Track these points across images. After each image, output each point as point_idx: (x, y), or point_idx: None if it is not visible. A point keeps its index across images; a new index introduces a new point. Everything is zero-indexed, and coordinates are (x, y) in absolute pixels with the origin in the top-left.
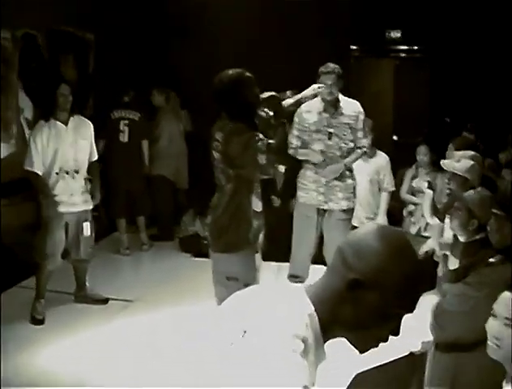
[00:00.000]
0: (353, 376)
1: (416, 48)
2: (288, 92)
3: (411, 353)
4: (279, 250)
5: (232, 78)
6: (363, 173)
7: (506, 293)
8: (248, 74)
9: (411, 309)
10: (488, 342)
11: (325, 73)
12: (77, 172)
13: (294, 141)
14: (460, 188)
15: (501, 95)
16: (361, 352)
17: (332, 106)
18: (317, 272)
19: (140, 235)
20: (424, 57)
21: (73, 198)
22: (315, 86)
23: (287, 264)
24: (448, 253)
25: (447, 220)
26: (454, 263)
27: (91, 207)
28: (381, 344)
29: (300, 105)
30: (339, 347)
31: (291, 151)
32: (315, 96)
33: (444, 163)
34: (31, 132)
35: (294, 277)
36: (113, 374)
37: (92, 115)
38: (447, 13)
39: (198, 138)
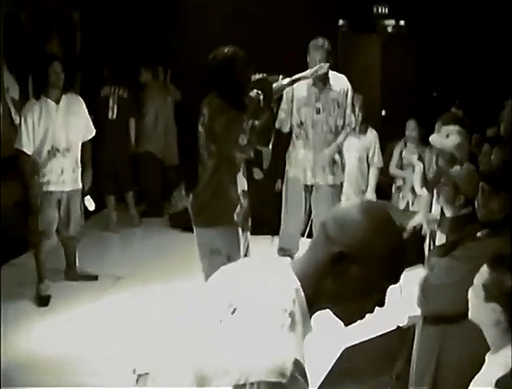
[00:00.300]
0: (342, 350)
1: (403, 23)
2: (281, 76)
3: (399, 327)
4: (271, 223)
5: (226, 56)
6: (352, 150)
7: (484, 267)
8: (242, 54)
9: (395, 281)
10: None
11: (314, 48)
12: (68, 150)
13: (282, 114)
14: (447, 164)
15: (488, 70)
16: (347, 324)
17: (321, 81)
18: (306, 246)
19: (130, 212)
20: (411, 32)
21: (64, 176)
22: (311, 70)
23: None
24: (435, 227)
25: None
26: (441, 239)
27: (81, 186)
28: (367, 316)
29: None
30: (327, 321)
31: (277, 125)
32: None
33: (432, 139)
34: (22, 111)
35: (284, 251)
36: (103, 350)
37: (80, 92)
38: None
39: (188, 113)
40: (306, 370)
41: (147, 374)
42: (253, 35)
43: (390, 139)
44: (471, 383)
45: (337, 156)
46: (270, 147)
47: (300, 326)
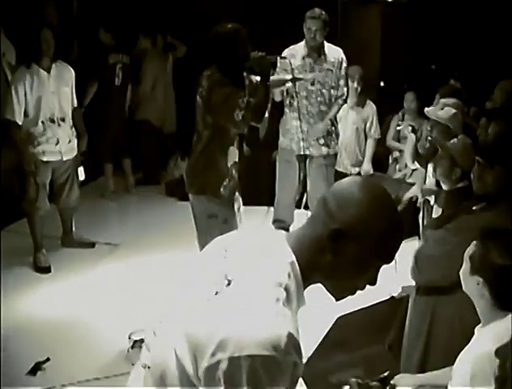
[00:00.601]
0: (334, 319)
1: None
2: (279, 57)
3: (392, 297)
4: (267, 194)
5: (230, 32)
6: (350, 121)
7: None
8: (244, 31)
9: (389, 260)
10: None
11: (311, 18)
12: (63, 120)
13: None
14: (442, 136)
15: (489, 42)
16: (337, 299)
17: (316, 52)
18: (301, 217)
19: (127, 179)
20: (411, 3)
21: (60, 146)
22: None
23: None
24: (430, 199)
25: (430, 167)
26: (438, 212)
27: (75, 153)
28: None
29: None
30: (320, 291)
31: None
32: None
33: (427, 110)
34: (12, 80)
35: (279, 222)
36: (99, 316)
37: (84, 60)
38: None
39: (187, 81)
40: (300, 344)
41: (141, 340)
42: (253, 5)
43: (389, 110)
44: (459, 355)
45: (331, 127)
46: (267, 115)
47: (294, 299)
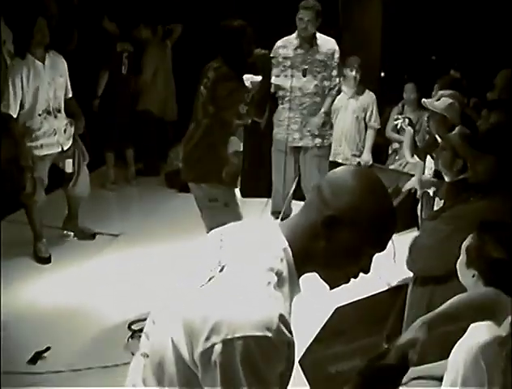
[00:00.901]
0: (333, 309)
1: None
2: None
3: (391, 288)
4: (266, 185)
5: (237, 27)
6: (349, 110)
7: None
8: (250, 29)
9: (382, 248)
10: None
11: (304, 8)
12: (59, 111)
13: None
14: (439, 126)
15: (490, 32)
16: (332, 287)
17: (308, 43)
18: (298, 207)
19: (129, 169)
20: None
21: (57, 137)
22: None
23: None
24: (429, 190)
25: (428, 159)
26: (439, 204)
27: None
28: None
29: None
30: (319, 280)
31: None
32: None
33: (425, 101)
34: (8, 71)
35: (278, 213)
36: (99, 305)
37: (85, 48)
38: None
39: (186, 69)
40: (291, 325)
41: (141, 329)
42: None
43: (389, 101)
44: (454, 347)
45: (325, 118)
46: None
47: (286, 285)
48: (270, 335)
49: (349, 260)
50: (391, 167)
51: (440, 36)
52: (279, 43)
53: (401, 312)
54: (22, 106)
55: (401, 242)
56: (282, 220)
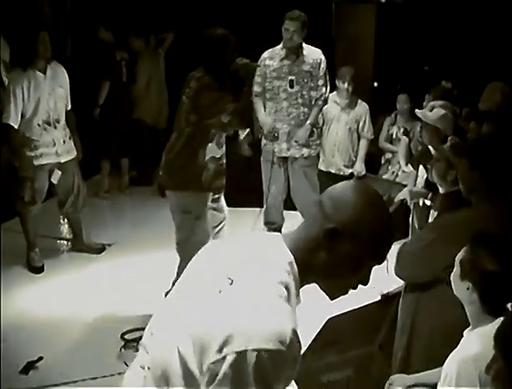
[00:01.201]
0: (326, 320)
1: None
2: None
3: (383, 298)
4: (259, 196)
5: (220, 37)
6: (342, 122)
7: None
8: (233, 38)
9: (381, 261)
10: None
11: (289, 19)
12: (58, 121)
13: (255, 87)
14: (432, 137)
15: (483, 43)
16: (332, 298)
17: (294, 53)
18: (290, 217)
19: (122, 178)
20: (405, 4)
21: (56, 148)
22: None
23: None
24: (420, 201)
25: (420, 169)
26: (433, 216)
27: (75, 154)
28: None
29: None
30: (312, 291)
31: (254, 99)
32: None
33: (417, 112)
34: (9, 83)
35: (270, 224)
36: (92, 315)
37: (79, 57)
38: None
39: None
40: (300, 340)
41: (134, 339)
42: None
43: (382, 111)
44: (448, 357)
45: (312, 129)
46: (248, 133)
47: (293, 297)
48: (283, 348)
49: (349, 272)
50: (384, 177)
51: (433, 47)
52: (265, 54)
53: (393, 322)
54: (22, 116)
55: (393, 252)
56: (274, 230)
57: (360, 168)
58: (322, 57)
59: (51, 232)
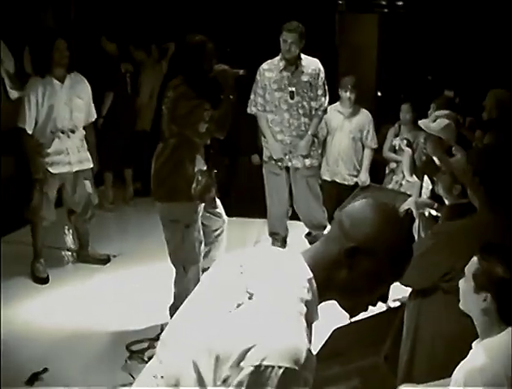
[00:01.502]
0: (332, 331)
1: (400, 3)
2: (241, 71)
3: (388, 309)
4: (264, 206)
5: (196, 43)
6: (345, 131)
7: (474, 258)
8: (210, 44)
9: (400, 276)
10: None
11: (287, 30)
12: (73, 131)
13: (258, 99)
14: (436, 148)
15: (485, 52)
16: (352, 316)
17: (292, 65)
18: (294, 227)
19: (127, 189)
20: (408, 13)
21: (69, 157)
22: None
23: None
24: (425, 211)
25: (426, 179)
26: None
27: (90, 166)
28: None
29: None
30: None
31: (252, 110)
32: None
33: (420, 123)
34: (25, 88)
35: (275, 234)
36: (97, 327)
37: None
38: None
39: None
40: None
41: (139, 350)
42: (250, 11)
43: (385, 120)
44: (457, 368)
45: (313, 139)
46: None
47: (311, 314)
48: (296, 368)
49: (369, 289)
50: (388, 186)
51: (436, 56)
52: (264, 66)
53: (399, 332)
54: (36, 123)
55: None
56: (279, 241)
57: (364, 177)
58: (321, 67)
59: (56, 242)
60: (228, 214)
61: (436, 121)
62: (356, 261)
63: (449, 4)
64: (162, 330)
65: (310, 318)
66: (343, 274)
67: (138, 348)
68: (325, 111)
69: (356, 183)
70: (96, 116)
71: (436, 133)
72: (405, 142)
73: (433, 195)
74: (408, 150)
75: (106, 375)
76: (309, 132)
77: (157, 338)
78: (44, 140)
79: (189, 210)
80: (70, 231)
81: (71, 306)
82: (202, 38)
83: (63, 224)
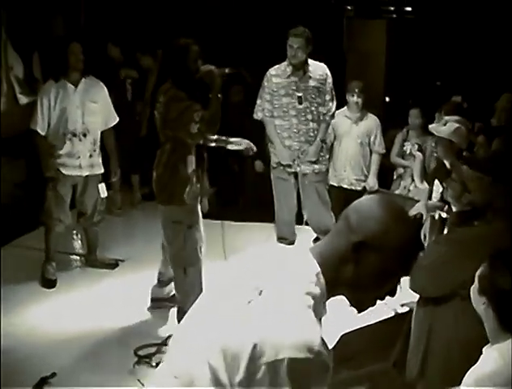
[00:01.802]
0: (340, 336)
1: (409, 9)
2: (227, 69)
3: (396, 314)
4: (272, 211)
5: (181, 46)
6: (353, 136)
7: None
8: (195, 46)
9: (407, 271)
10: None
11: (293, 35)
12: (84, 135)
13: (266, 105)
14: (447, 152)
15: (496, 58)
16: (359, 311)
17: (300, 70)
18: (302, 232)
19: (134, 194)
20: (416, 19)
21: (80, 161)
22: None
23: None
24: (435, 214)
25: (436, 183)
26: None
27: (101, 171)
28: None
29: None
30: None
31: (259, 115)
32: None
33: (430, 127)
34: (39, 91)
35: (283, 239)
36: (105, 332)
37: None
38: None
39: None
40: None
41: (147, 355)
42: (258, 15)
43: (394, 126)
44: (467, 374)
45: (321, 144)
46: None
47: (319, 308)
48: (311, 356)
49: (377, 283)
50: (396, 192)
51: (444, 62)
52: (271, 71)
53: (407, 338)
54: (48, 125)
55: None
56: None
57: (372, 182)
58: (328, 72)
59: (64, 247)
60: (237, 218)
61: (446, 125)
62: (363, 256)
63: (457, 10)
64: (170, 335)
65: (319, 313)
66: (350, 269)
67: (145, 353)
68: (333, 116)
69: (364, 188)
70: (117, 119)
71: (446, 136)
72: (416, 147)
73: (443, 199)
74: (420, 155)
75: (114, 380)
76: (318, 138)
77: (165, 343)
78: (56, 142)
79: (191, 211)
80: (79, 236)
81: (79, 311)
82: (187, 41)
83: (72, 229)
